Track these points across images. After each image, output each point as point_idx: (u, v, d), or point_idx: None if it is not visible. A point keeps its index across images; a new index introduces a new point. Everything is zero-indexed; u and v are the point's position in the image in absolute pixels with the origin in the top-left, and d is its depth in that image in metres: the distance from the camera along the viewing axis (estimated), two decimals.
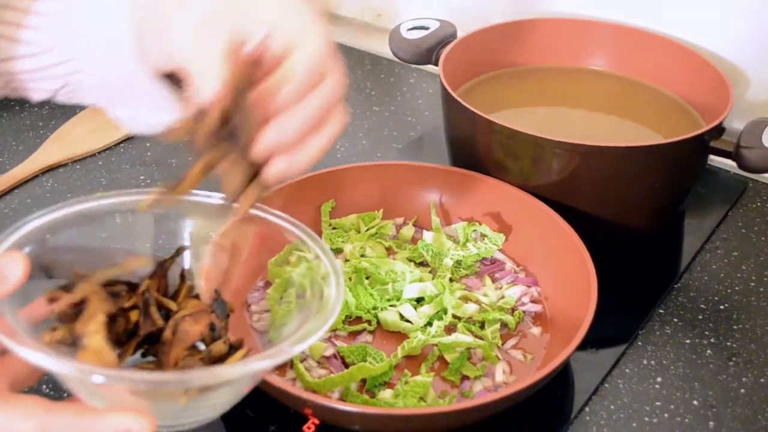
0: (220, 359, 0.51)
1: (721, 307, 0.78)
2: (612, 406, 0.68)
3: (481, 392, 0.66)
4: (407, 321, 0.72)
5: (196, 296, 0.54)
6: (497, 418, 0.63)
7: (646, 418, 0.67)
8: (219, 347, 0.51)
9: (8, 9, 0.54)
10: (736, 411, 0.67)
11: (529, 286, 0.76)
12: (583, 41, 0.99)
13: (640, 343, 0.73)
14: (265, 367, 0.48)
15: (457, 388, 0.67)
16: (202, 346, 0.51)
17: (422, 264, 0.79)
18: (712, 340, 0.74)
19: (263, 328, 0.70)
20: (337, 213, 0.82)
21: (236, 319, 0.56)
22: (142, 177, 0.93)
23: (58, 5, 0.54)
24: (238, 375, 0.48)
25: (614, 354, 0.72)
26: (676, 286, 0.80)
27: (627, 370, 0.71)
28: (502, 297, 0.75)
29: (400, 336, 0.71)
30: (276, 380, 0.61)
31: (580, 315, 0.65)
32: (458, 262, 0.78)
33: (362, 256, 0.78)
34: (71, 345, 0.48)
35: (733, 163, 0.80)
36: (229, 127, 0.49)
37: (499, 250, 0.79)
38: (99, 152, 0.97)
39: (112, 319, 0.49)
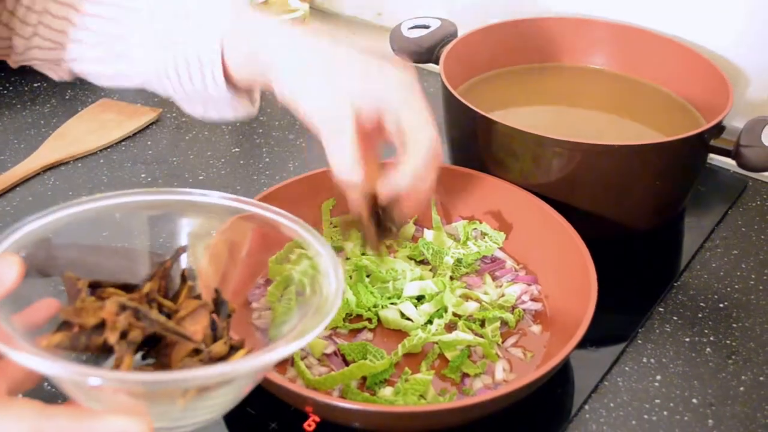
0: (220, 360, 0.50)
1: (721, 305, 0.78)
2: (611, 404, 0.68)
3: (481, 390, 0.66)
4: (408, 319, 0.72)
5: (198, 296, 0.54)
6: (497, 416, 0.63)
7: (646, 416, 0.67)
8: (219, 348, 0.50)
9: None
10: (735, 409, 0.67)
11: (529, 285, 0.76)
12: (583, 40, 0.99)
13: (639, 342, 0.73)
14: (261, 364, 0.47)
15: (457, 386, 0.67)
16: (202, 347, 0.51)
17: (423, 262, 0.79)
18: (711, 339, 0.74)
19: (265, 326, 0.70)
20: (337, 211, 0.82)
21: (238, 317, 0.56)
22: (143, 175, 0.93)
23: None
24: (234, 373, 0.47)
25: (614, 352, 0.72)
26: (675, 284, 0.80)
27: (627, 368, 0.71)
28: (503, 295, 0.75)
29: (401, 334, 0.71)
30: (277, 378, 0.61)
31: (580, 313, 0.65)
32: (459, 261, 0.78)
33: (363, 254, 0.78)
34: (71, 349, 0.48)
35: (733, 162, 0.80)
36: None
37: (500, 248, 0.79)
38: (100, 150, 0.97)
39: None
